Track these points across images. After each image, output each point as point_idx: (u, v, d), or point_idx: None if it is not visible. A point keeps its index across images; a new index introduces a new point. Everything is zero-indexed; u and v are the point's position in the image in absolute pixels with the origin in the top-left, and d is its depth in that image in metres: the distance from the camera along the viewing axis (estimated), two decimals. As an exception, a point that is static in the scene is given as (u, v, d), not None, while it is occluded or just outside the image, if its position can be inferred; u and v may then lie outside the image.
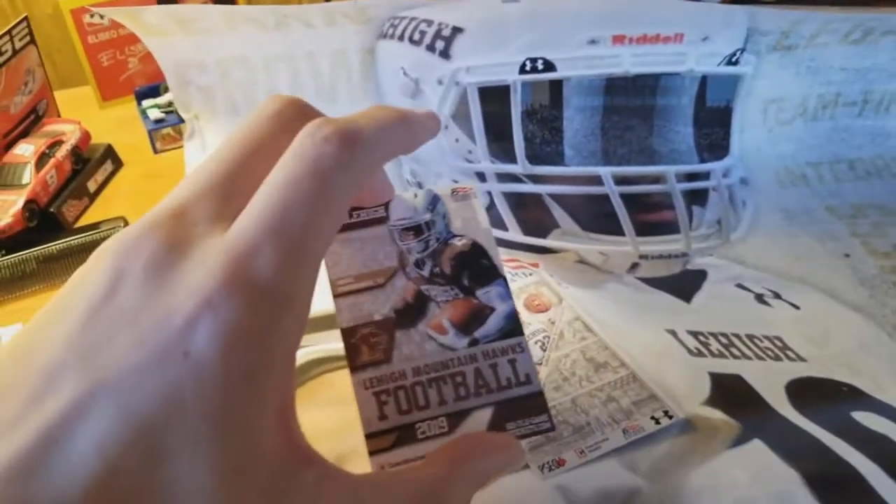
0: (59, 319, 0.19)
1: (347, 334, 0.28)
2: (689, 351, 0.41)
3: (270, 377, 0.19)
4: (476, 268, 0.30)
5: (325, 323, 0.39)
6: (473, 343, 0.29)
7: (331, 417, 0.36)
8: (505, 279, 0.30)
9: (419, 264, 0.30)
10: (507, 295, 0.30)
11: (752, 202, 0.52)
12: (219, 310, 0.18)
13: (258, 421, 0.19)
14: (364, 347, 0.28)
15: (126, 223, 0.51)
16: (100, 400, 0.17)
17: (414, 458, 0.27)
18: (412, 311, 0.29)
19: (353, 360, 0.28)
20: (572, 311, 0.43)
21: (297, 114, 0.24)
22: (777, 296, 0.45)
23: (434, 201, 0.31)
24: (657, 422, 0.36)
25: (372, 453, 0.27)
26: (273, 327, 0.19)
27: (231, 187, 0.22)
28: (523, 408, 0.28)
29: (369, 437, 0.27)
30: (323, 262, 0.24)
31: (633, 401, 0.37)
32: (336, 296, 0.29)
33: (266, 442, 0.19)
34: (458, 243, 0.30)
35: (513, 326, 0.29)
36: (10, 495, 0.16)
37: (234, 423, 0.18)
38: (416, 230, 0.30)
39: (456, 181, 0.52)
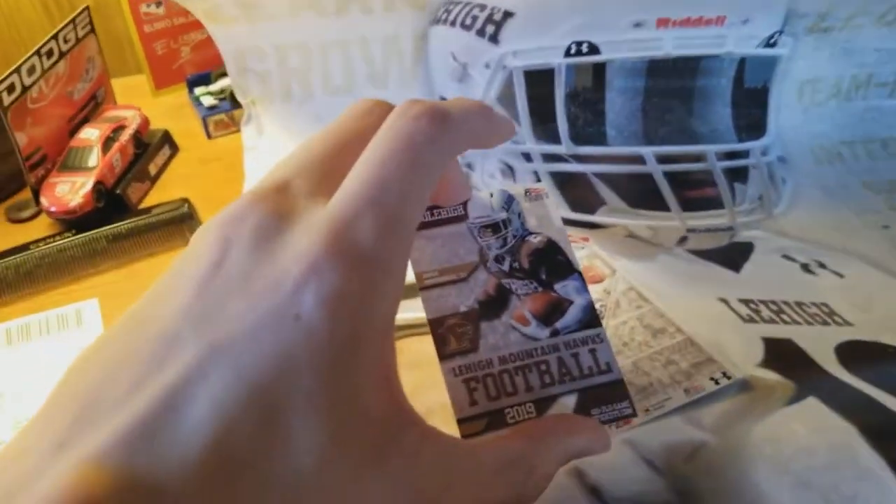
0: (172, 290, 0.20)
1: (435, 324, 0.29)
2: (742, 318, 0.43)
3: (373, 340, 0.20)
4: (553, 263, 0.32)
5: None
6: (555, 333, 0.30)
7: (403, 380, 0.38)
8: (580, 273, 0.31)
9: (499, 260, 0.31)
10: (583, 288, 0.31)
11: (791, 179, 0.54)
12: (324, 275, 0.19)
13: (364, 381, 0.20)
14: (451, 337, 0.29)
15: (189, 204, 0.53)
16: (216, 364, 0.18)
17: None
18: (495, 304, 0.30)
19: (442, 348, 0.29)
20: (626, 282, 0.45)
21: (386, 110, 0.26)
22: (822, 265, 0.47)
23: (509, 201, 0.33)
24: (716, 382, 0.38)
25: (464, 437, 0.28)
26: (374, 292, 0.20)
27: (330, 165, 0.24)
28: (606, 395, 0.29)
29: (461, 421, 0.28)
30: None
31: (692, 363, 0.39)
32: (422, 288, 0.30)
33: (372, 402, 0.20)
34: (535, 240, 0.32)
35: (591, 318, 0.31)
36: (133, 459, 0.16)
37: (343, 383, 0.19)
38: (494, 227, 0.32)
39: (507, 163, 0.54)
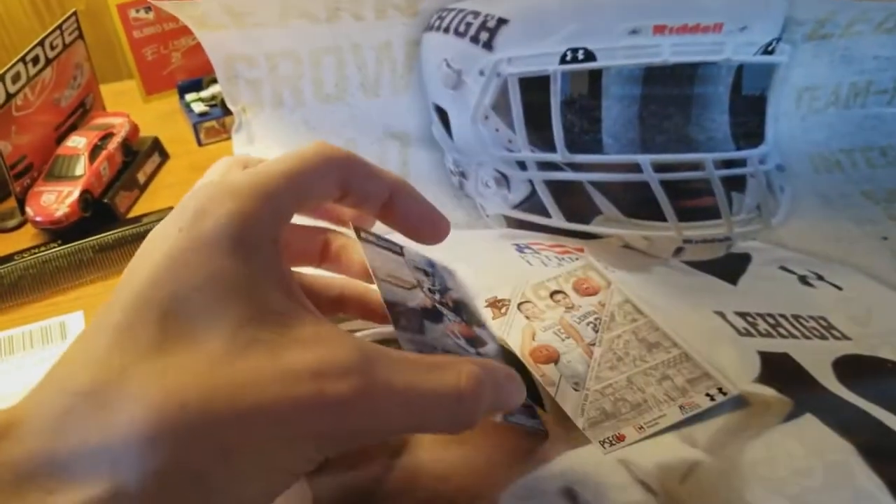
0: None
1: (390, 305, 0.31)
2: (738, 331, 0.42)
3: (262, 252, 0.24)
4: (471, 315, 0.37)
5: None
6: (480, 354, 0.34)
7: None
8: (486, 327, 0.38)
9: (431, 291, 0.35)
10: (491, 337, 0.38)
11: (789, 188, 0.53)
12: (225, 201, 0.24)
13: (262, 280, 0.24)
14: (403, 319, 0.31)
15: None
16: None
17: None
18: (432, 315, 0.33)
19: (397, 323, 0.30)
20: (621, 294, 0.44)
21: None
22: (820, 277, 0.46)
23: (432, 264, 0.38)
24: (712, 398, 0.37)
25: None
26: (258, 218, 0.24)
27: None
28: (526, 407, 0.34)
29: None
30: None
31: (688, 379, 0.39)
32: (376, 281, 0.32)
33: (270, 297, 0.23)
34: (454, 294, 0.37)
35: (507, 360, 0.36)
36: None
37: (243, 283, 0.23)
38: (425, 272, 0.36)
39: (501, 172, 0.53)
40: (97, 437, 0.20)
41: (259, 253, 0.24)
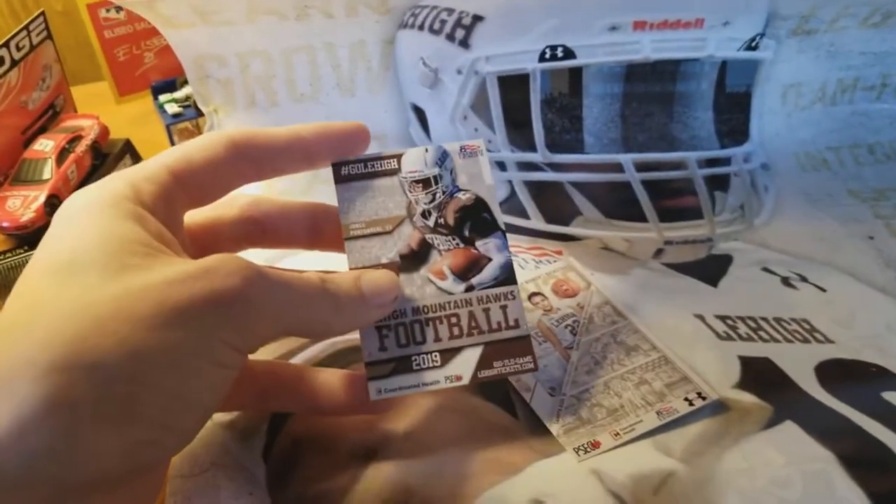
0: None
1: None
2: (718, 335, 0.41)
3: (115, 208, 0.26)
4: (477, 220, 0.33)
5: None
6: (470, 289, 0.32)
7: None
8: (503, 232, 0.33)
9: (425, 215, 0.33)
10: (504, 247, 0.33)
11: (773, 187, 0.52)
12: None
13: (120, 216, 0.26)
14: None
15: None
16: None
17: (408, 386, 0.30)
18: (416, 258, 0.32)
19: None
20: (601, 296, 0.43)
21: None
22: (803, 279, 0.45)
23: (443, 157, 0.33)
24: (690, 403, 0.36)
25: (371, 379, 0.30)
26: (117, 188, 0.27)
27: None
28: (511, 349, 0.31)
29: (369, 364, 0.31)
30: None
31: (666, 383, 0.37)
32: (347, 239, 0.32)
33: (125, 232, 0.25)
34: (463, 197, 0.33)
35: (507, 276, 0.32)
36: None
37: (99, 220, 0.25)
38: (425, 183, 0.33)
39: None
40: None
41: (129, 217, 0.26)
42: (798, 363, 0.39)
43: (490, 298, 0.32)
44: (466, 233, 0.33)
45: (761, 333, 0.41)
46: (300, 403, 0.34)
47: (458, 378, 0.31)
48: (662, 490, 0.32)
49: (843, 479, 0.32)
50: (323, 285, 0.28)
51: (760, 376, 0.38)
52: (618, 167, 0.49)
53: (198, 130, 0.60)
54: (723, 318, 0.42)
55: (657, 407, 0.36)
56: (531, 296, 0.44)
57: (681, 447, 0.34)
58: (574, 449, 0.34)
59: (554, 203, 0.51)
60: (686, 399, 0.37)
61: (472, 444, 0.35)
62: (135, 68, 0.64)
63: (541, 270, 0.46)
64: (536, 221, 0.50)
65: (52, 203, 0.51)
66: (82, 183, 0.55)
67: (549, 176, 0.51)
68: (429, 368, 0.31)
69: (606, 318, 0.42)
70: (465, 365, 0.31)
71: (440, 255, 0.32)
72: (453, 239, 0.33)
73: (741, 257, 0.47)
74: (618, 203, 0.50)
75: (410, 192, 0.33)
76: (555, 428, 0.35)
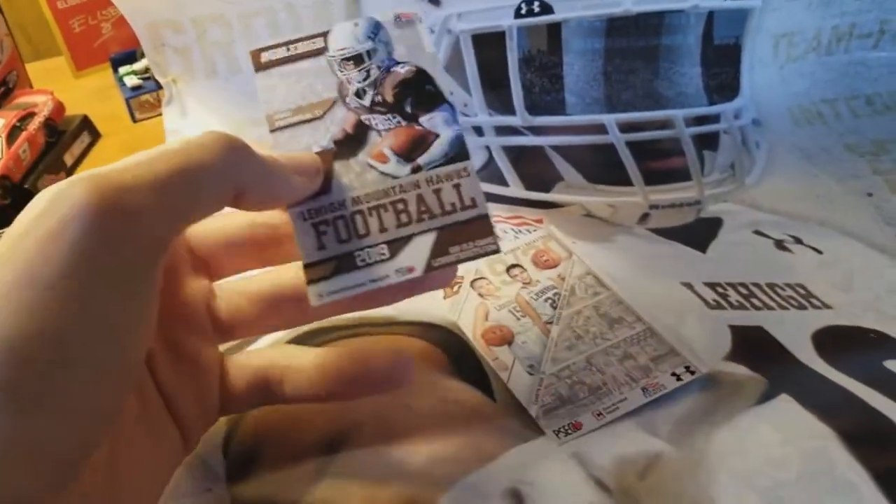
0: None
1: None
2: (707, 303, 0.38)
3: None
4: (420, 94, 0.29)
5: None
6: (416, 170, 0.28)
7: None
8: (451, 105, 0.29)
9: (359, 94, 0.29)
10: (452, 120, 0.29)
11: (766, 143, 0.49)
12: None
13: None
14: None
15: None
16: None
17: (354, 285, 0.27)
18: (352, 142, 0.29)
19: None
20: (583, 266, 0.41)
21: None
22: (798, 241, 0.43)
23: (376, 29, 0.30)
24: (678, 378, 0.34)
25: (310, 282, 0.27)
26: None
27: None
28: (468, 231, 0.28)
29: (308, 266, 0.27)
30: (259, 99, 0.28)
31: (652, 357, 0.35)
32: (272, 130, 0.28)
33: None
34: (402, 70, 0.30)
35: (458, 151, 0.29)
36: None
37: None
38: (357, 59, 0.29)
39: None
40: None
41: None
42: (793, 331, 0.37)
43: (440, 178, 0.28)
44: (408, 109, 0.29)
45: (754, 301, 0.39)
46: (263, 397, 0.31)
47: (411, 269, 0.28)
48: (649, 474, 0.30)
49: (843, 456, 0.30)
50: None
51: (753, 347, 0.36)
52: (601, 128, 0.47)
53: (160, 103, 0.57)
54: (712, 286, 0.40)
55: (643, 383, 0.34)
56: (510, 268, 0.41)
57: (668, 427, 0.32)
58: (554, 431, 0.32)
59: (534, 168, 0.48)
60: (673, 374, 0.35)
61: (445, 429, 0.32)
62: (92, 40, 0.61)
63: (520, 241, 0.43)
64: (516, 188, 0.48)
65: (3, 185, 0.49)
66: (35, 162, 0.52)
67: (529, 140, 0.48)
68: (375, 263, 0.27)
69: (588, 289, 0.39)
70: (416, 254, 0.28)
71: (380, 137, 0.29)
72: (393, 117, 0.29)
73: (731, 220, 0.45)
74: (601, 166, 0.47)
75: (341, 71, 0.29)
76: (533, 409, 0.33)
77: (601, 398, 0.34)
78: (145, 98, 0.57)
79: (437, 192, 0.28)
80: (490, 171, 0.48)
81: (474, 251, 0.28)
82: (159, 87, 0.56)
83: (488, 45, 0.47)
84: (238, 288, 0.30)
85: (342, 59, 0.29)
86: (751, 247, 0.43)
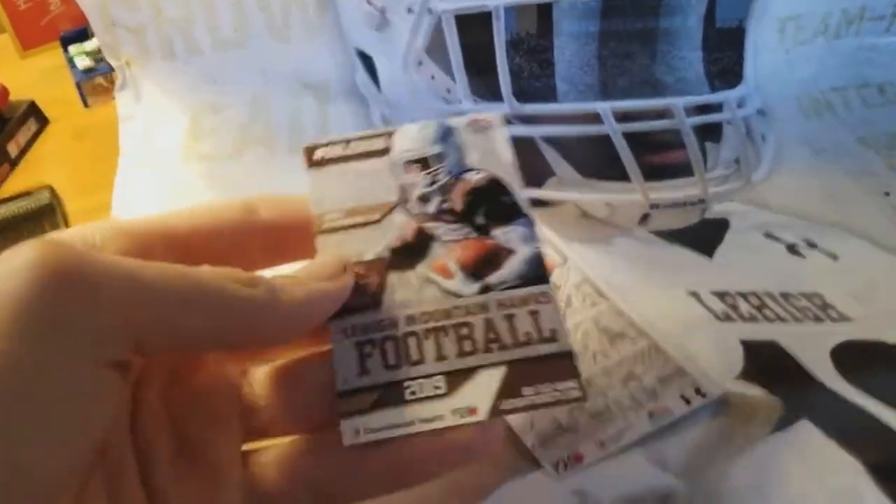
0: None
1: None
2: (716, 316, 0.35)
3: None
4: (494, 205, 0.25)
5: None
6: (486, 290, 0.24)
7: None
8: (530, 219, 0.25)
9: (424, 199, 0.26)
10: (530, 236, 0.25)
11: (772, 136, 0.46)
12: None
13: None
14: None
15: (52, 192, 0.44)
16: None
17: (399, 424, 0.23)
18: (411, 252, 0.25)
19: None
20: (579, 273, 0.37)
21: None
22: (811, 245, 0.40)
23: (447, 133, 0.26)
24: (687, 402, 0.31)
25: (345, 415, 0.23)
26: None
27: None
28: (546, 370, 0.23)
29: (343, 395, 0.23)
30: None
31: (658, 377, 0.32)
32: (319, 233, 0.25)
33: None
34: (475, 177, 0.26)
35: (536, 272, 0.24)
36: None
37: None
38: (423, 163, 0.26)
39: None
40: None
41: None
42: (811, 347, 0.34)
43: (514, 302, 0.24)
44: (480, 220, 0.25)
45: (766, 312, 0.36)
46: None
47: (472, 411, 0.23)
48: None
49: (873, 494, 0.27)
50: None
51: (767, 364, 0.33)
52: (595, 117, 0.43)
53: (113, 86, 0.53)
54: (721, 295, 0.36)
55: (649, 407, 0.31)
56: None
57: (679, 459, 0.30)
58: (552, 464, 0.29)
59: (523, 162, 0.44)
60: (682, 396, 0.32)
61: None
62: (40, 16, 0.56)
63: (509, 243, 0.40)
64: (504, 185, 0.44)
65: (-62, 179, 0.44)
66: (-25, 153, 0.48)
67: (518, 130, 0.44)
68: (428, 398, 0.23)
69: (586, 299, 0.36)
70: (480, 393, 0.23)
71: (444, 248, 0.25)
72: (462, 227, 0.25)
73: (739, 221, 0.42)
74: (596, 160, 0.44)
75: (405, 173, 0.26)
76: (528, 438, 0.30)
77: (603, 424, 0.31)
78: (98, 81, 0.53)
79: (509, 318, 0.24)
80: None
81: (553, 396, 0.23)
82: (111, 69, 0.52)
83: (473, 26, 0.44)
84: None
85: (407, 162, 0.26)
86: (761, 252, 0.39)
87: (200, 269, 0.20)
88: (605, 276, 0.37)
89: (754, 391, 0.32)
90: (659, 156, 0.44)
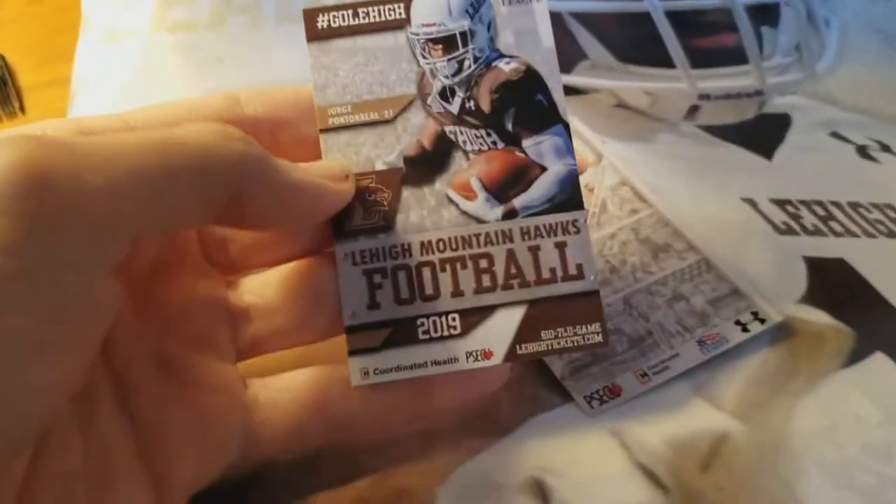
0: None
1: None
2: (776, 227, 0.31)
3: None
4: (527, 106, 0.23)
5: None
6: (510, 215, 0.23)
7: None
8: (567, 126, 0.23)
9: (446, 94, 0.23)
10: (566, 150, 0.23)
11: (837, 21, 0.41)
12: None
13: None
14: (357, 205, 0.22)
15: (4, 63, 0.39)
16: None
17: (410, 365, 0.22)
18: (429, 162, 0.23)
19: (340, 221, 0.22)
20: (616, 173, 0.33)
21: None
22: (885, 147, 0.35)
23: (477, 3, 0.23)
24: (744, 328, 0.27)
25: (353, 353, 0.22)
26: None
27: None
28: (568, 311, 0.22)
29: (352, 330, 0.22)
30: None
31: (709, 298, 0.28)
32: (324, 130, 0.23)
33: None
34: (506, 67, 0.23)
35: (569, 195, 0.23)
36: None
37: None
38: (448, 43, 0.23)
39: None
40: None
41: None
42: (884, 266, 0.30)
43: (540, 231, 0.23)
44: (509, 125, 0.23)
45: (833, 224, 0.32)
46: None
47: (487, 355, 0.22)
48: (714, 463, 0.25)
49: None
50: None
51: (834, 286, 0.29)
52: (634, -7, 0.39)
53: None
54: (781, 204, 0.32)
55: (699, 334, 0.28)
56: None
57: (734, 396, 0.26)
58: (585, 398, 0.26)
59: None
60: (738, 322, 0.28)
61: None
62: None
63: (535, 137, 0.35)
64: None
65: None
66: None
67: (549, 4, 0.39)
68: (442, 338, 0.22)
69: (624, 204, 0.32)
70: (497, 335, 0.22)
71: (467, 160, 0.23)
72: (489, 134, 0.23)
73: (802, 118, 0.37)
74: (635, 42, 0.39)
75: (425, 57, 0.23)
76: (557, 368, 0.26)
77: (645, 353, 0.27)
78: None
79: (533, 249, 0.22)
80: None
81: (573, 341, 0.22)
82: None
83: None
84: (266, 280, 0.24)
85: (427, 40, 0.23)
86: (828, 154, 0.35)
87: (183, 128, 0.18)
88: (646, 178, 0.33)
89: (820, 317, 0.28)
90: (707, 39, 0.40)
